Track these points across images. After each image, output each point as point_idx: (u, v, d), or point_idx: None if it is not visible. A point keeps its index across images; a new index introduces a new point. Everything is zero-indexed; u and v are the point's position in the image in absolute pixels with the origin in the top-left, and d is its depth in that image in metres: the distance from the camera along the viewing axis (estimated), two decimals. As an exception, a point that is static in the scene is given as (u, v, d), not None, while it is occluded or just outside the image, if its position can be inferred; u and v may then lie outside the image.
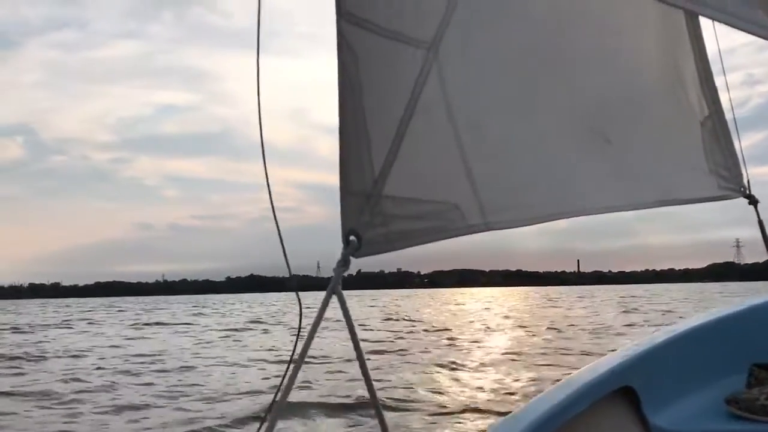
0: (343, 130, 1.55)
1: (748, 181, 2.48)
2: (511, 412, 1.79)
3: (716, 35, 2.30)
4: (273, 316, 28.43)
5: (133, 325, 25.36)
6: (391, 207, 1.64)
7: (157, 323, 25.88)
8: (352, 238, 1.59)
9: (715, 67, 2.34)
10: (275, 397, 1.52)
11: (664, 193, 2.17)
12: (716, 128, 2.35)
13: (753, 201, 2.48)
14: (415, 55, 1.63)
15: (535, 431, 1.55)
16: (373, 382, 1.63)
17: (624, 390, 1.91)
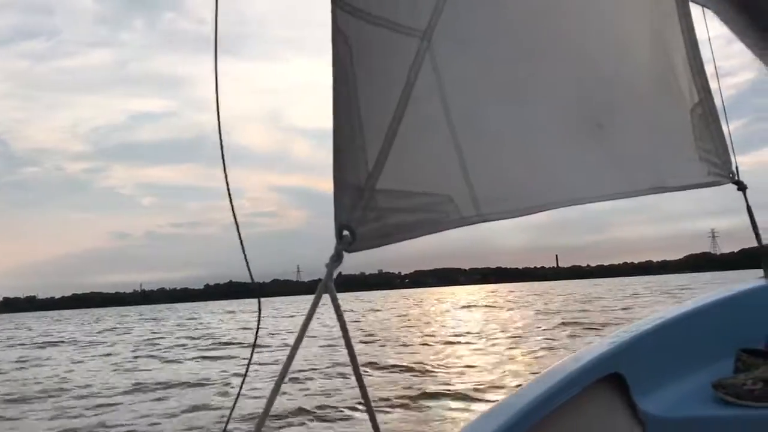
0: (336, 124, 1.52)
1: (737, 168, 2.49)
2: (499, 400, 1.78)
3: (706, 21, 2.32)
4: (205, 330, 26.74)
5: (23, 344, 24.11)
6: (385, 200, 1.62)
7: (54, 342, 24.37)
8: (345, 232, 1.57)
9: (705, 55, 2.36)
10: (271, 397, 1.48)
11: (656, 180, 2.17)
12: (706, 115, 2.37)
13: (741, 187, 2.50)
14: (408, 45, 1.61)
15: (523, 419, 1.55)
16: (366, 386, 1.61)
17: (613, 376, 1.92)
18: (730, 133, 2.46)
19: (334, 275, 1.62)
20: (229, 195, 1.52)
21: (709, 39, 2.38)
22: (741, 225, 2.56)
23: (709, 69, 2.36)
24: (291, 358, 1.52)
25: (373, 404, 1.52)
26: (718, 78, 2.43)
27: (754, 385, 1.87)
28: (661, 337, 2.17)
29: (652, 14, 2.21)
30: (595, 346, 2.03)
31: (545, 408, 1.62)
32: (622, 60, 2.16)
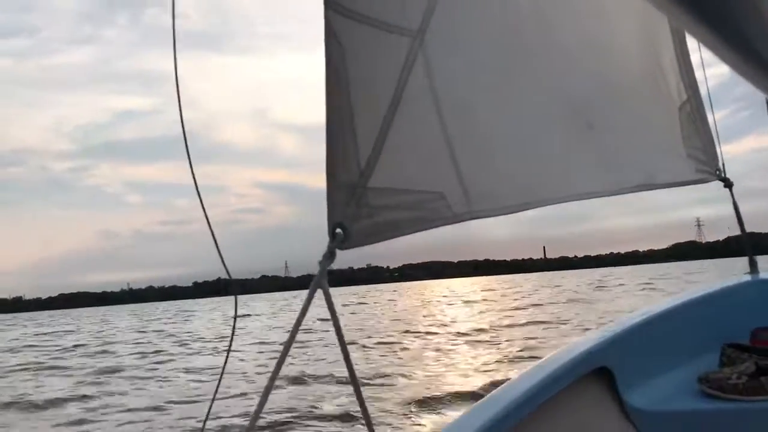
0: (329, 123, 1.54)
1: (723, 164, 2.52)
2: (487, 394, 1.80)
3: None
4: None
5: None
6: (378, 198, 1.64)
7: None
8: (338, 230, 1.58)
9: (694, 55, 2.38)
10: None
11: (645, 177, 2.20)
12: (693, 113, 2.40)
13: (728, 184, 2.53)
14: (400, 44, 1.62)
15: (511, 413, 1.56)
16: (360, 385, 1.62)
17: (600, 371, 1.94)
18: (717, 131, 2.49)
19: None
20: (198, 194, 1.52)
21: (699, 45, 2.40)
22: (726, 214, 2.60)
23: (695, 59, 2.38)
24: (284, 354, 1.53)
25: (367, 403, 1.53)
26: (705, 78, 2.45)
27: (738, 379, 1.90)
28: (647, 332, 2.19)
29: (641, 13, 2.22)
30: (582, 340, 2.05)
31: (533, 402, 1.64)
32: (611, 59, 2.18)
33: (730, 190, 2.53)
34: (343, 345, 1.60)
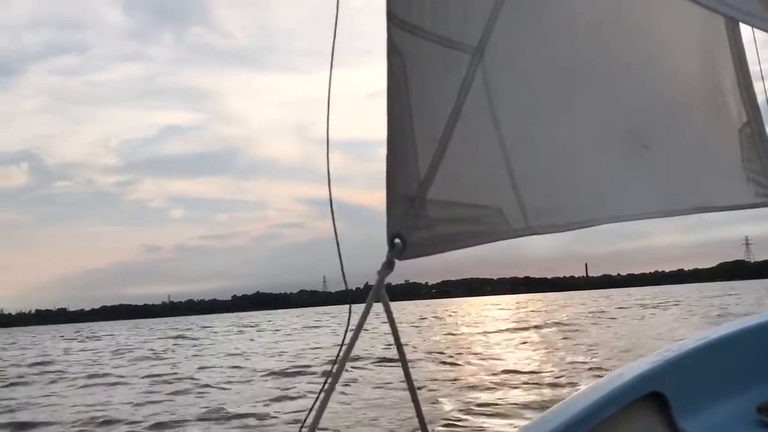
0: (390, 135, 1.57)
1: None
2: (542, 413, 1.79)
3: (755, 40, 2.29)
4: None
5: None
6: (436, 210, 1.66)
7: None
8: (396, 240, 1.61)
9: (755, 74, 2.33)
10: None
11: (701, 200, 2.16)
12: (755, 135, 2.33)
13: None
14: (460, 60, 1.66)
15: None
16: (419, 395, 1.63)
17: (654, 395, 1.90)
18: None
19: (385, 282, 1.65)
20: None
21: (759, 59, 2.35)
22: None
23: (757, 87, 2.33)
24: (342, 364, 1.55)
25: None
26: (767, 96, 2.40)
27: None
28: (704, 357, 2.14)
29: (701, 34, 2.20)
30: (637, 363, 2.02)
31: (588, 422, 1.63)
32: (669, 80, 2.16)
33: None
34: (402, 356, 1.61)
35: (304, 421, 1.56)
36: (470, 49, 1.67)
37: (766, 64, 2.40)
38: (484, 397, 8.10)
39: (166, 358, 17.98)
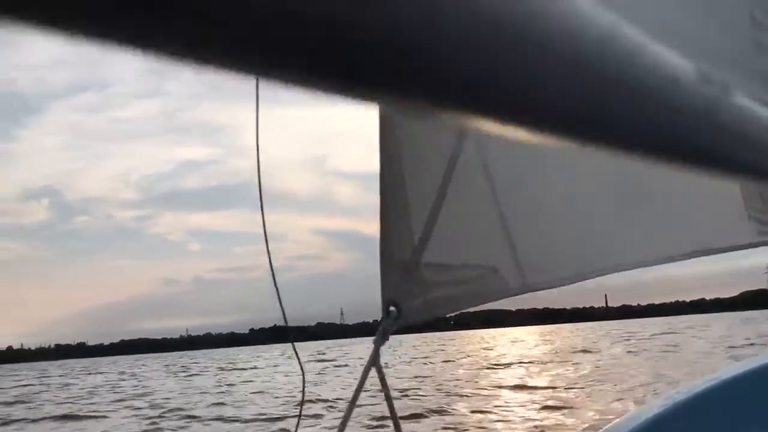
0: (383, 201, 1.56)
1: None
2: None
3: None
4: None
5: None
6: (431, 274, 1.63)
7: None
8: (392, 308, 1.57)
9: None
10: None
11: (701, 243, 2.12)
12: None
13: None
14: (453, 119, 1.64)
15: None
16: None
17: None
18: None
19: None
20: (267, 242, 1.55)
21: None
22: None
23: None
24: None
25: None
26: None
27: None
28: (716, 400, 2.07)
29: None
30: (644, 408, 1.97)
31: None
32: None
33: None
34: (395, 421, 1.58)
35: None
36: None
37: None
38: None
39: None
